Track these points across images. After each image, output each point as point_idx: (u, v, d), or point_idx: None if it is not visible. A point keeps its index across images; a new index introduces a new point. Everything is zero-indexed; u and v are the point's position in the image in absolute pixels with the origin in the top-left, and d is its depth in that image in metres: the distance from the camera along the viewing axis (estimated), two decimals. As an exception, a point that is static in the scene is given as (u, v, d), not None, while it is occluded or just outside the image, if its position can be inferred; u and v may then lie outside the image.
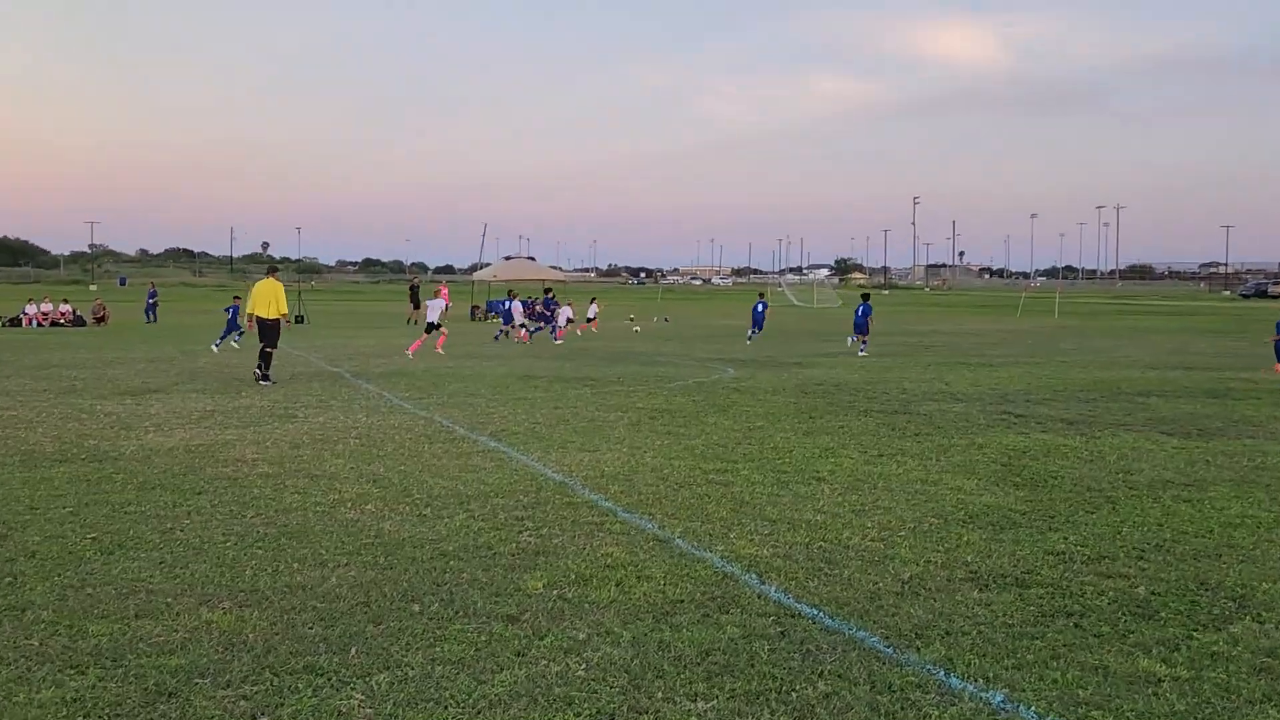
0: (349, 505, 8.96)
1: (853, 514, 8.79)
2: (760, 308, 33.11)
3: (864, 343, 27.75)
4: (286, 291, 19.35)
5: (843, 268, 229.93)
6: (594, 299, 42.09)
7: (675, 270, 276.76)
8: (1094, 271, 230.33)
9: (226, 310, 28.11)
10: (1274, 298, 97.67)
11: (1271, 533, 8.24)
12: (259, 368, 18.65)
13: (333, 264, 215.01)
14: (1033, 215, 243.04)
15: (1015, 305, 56.55)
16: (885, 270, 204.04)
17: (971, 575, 7.09)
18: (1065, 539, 8.01)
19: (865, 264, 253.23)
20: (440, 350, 25.87)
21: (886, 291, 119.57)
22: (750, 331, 32.64)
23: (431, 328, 25.67)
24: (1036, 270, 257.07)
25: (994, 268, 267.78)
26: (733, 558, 7.44)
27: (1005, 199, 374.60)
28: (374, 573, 7.04)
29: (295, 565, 7.19)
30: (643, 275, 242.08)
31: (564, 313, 33.39)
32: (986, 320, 51.22)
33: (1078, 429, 13.52)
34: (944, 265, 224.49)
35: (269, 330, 18.82)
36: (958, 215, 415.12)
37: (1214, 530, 8.30)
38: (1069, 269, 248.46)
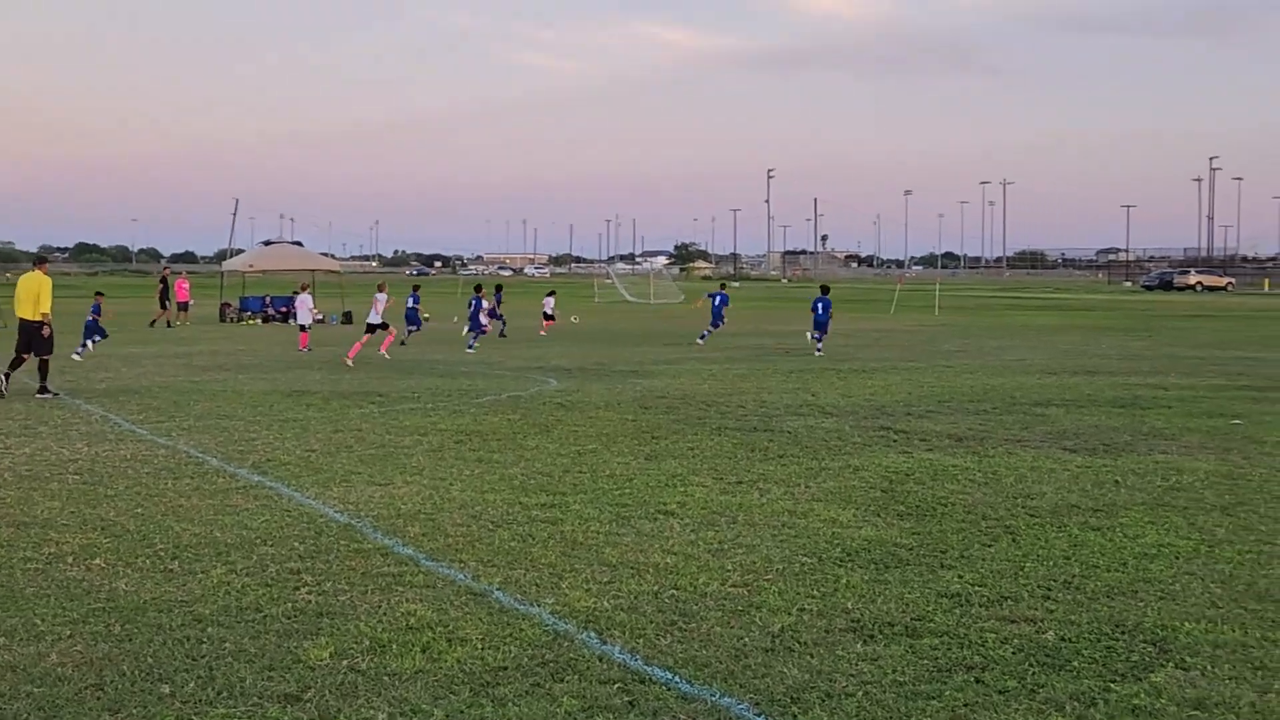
0: (70, 560, 8.59)
1: (709, 554, 8.92)
2: (718, 301, 33.82)
3: (820, 339, 30.20)
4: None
5: (684, 255, 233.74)
6: (551, 293, 42.43)
7: (479, 258, 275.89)
8: (978, 259, 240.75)
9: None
10: (1181, 290, 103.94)
11: (1191, 563, 8.75)
12: (5, 375, 18.89)
13: (33, 250, 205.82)
14: (907, 192, 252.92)
15: (889, 300, 58.49)
16: (735, 258, 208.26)
17: (853, 625, 7.28)
18: (960, 578, 8.33)
19: (711, 250, 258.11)
20: (385, 353, 27.85)
21: (737, 283, 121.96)
22: (704, 330, 33.33)
23: (373, 328, 27.45)
24: (912, 258, 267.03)
25: (863, 255, 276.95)
26: (566, 612, 7.45)
27: (875, 174, 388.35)
28: (107, 645, 6.77)
29: (1, 640, 6.84)
30: (437, 264, 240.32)
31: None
32: (856, 318, 52.86)
33: (968, 446, 14.08)
34: (804, 252, 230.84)
35: (32, 334, 18.82)
36: (820, 192, 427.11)
37: (1128, 563, 8.76)
38: (950, 256, 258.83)
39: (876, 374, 23.50)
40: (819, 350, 29.50)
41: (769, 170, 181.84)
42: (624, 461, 12.90)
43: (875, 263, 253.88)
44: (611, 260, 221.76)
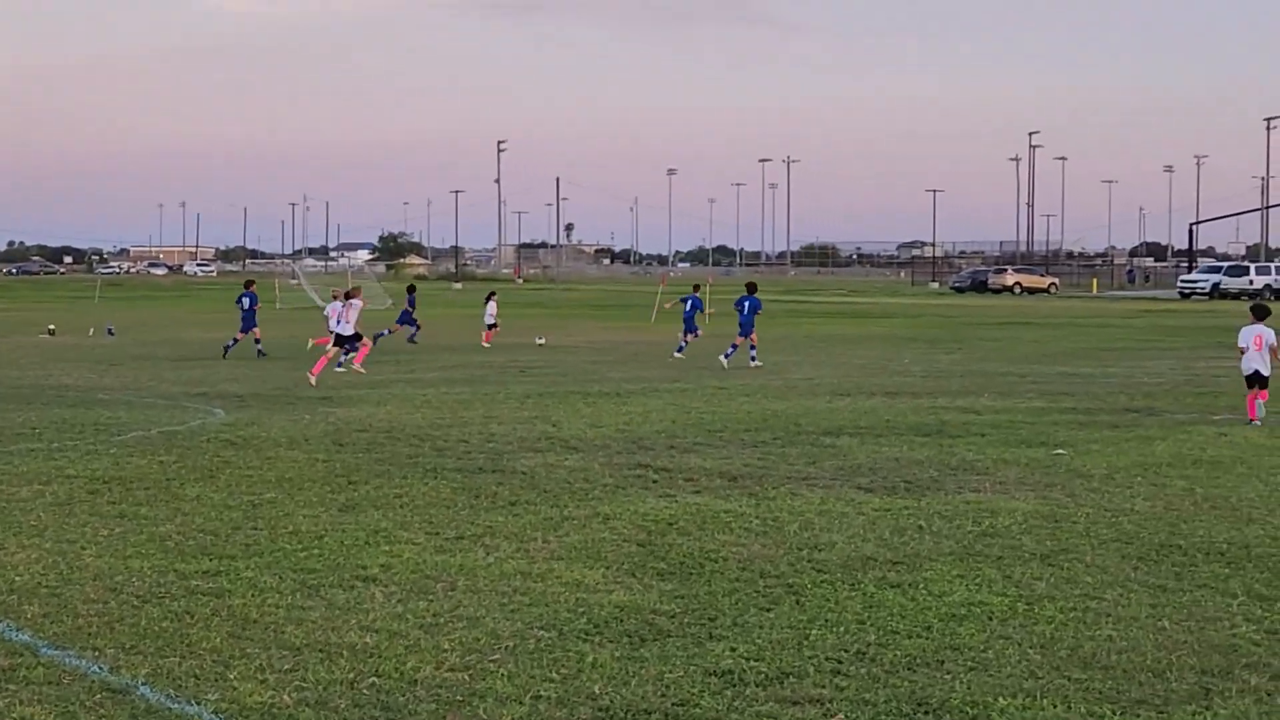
0: None
1: (421, 630, 8.88)
2: (690, 305, 35.90)
3: (752, 347, 32.39)
4: None
5: (391, 248, 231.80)
6: (491, 295, 43.42)
7: (123, 251, 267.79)
8: (758, 255, 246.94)
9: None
10: (997, 291, 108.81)
11: (1006, 625, 9.16)
12: None
13: None
14: (670, 172, 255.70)
15: (649, 304, 59.11)
16: (457, 252, 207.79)
17: (601, 713, 7.34)
18: (733, 650, 8.49)
19: (427, 242, 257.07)
20: (360, 368, 29.42)
21: (459, 285, 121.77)
22: (750, 339, 33.20)
23: (342, 340, 29.36)
24: (678, 253, 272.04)
25: (617, 249, 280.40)
26: (235, 710, 7.31)
27: (633, 150, 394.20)
28: None
29: None
30: (68, 260, 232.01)
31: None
32: (608, 327, 53.41)
33: (744, 487, 14.40)
34: (544, 244, 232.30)
35: None
36: (565, 172, 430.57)
37: (933, 626, 9.10)
38: (723, 251, 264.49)
39: (633, 398, 23.81)
40: (755, 361, 31.99)
41: (499, 143, 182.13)
42: (312, 514, 12.72)
43: (632, 259, 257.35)
44: (298, 255, 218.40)
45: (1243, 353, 21.50)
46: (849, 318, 64.24)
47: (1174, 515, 12.99)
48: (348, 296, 30.26)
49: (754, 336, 32.76)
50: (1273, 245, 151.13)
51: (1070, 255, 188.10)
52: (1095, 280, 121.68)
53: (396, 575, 10.36)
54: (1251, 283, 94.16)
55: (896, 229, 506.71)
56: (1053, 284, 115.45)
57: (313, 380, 26.69)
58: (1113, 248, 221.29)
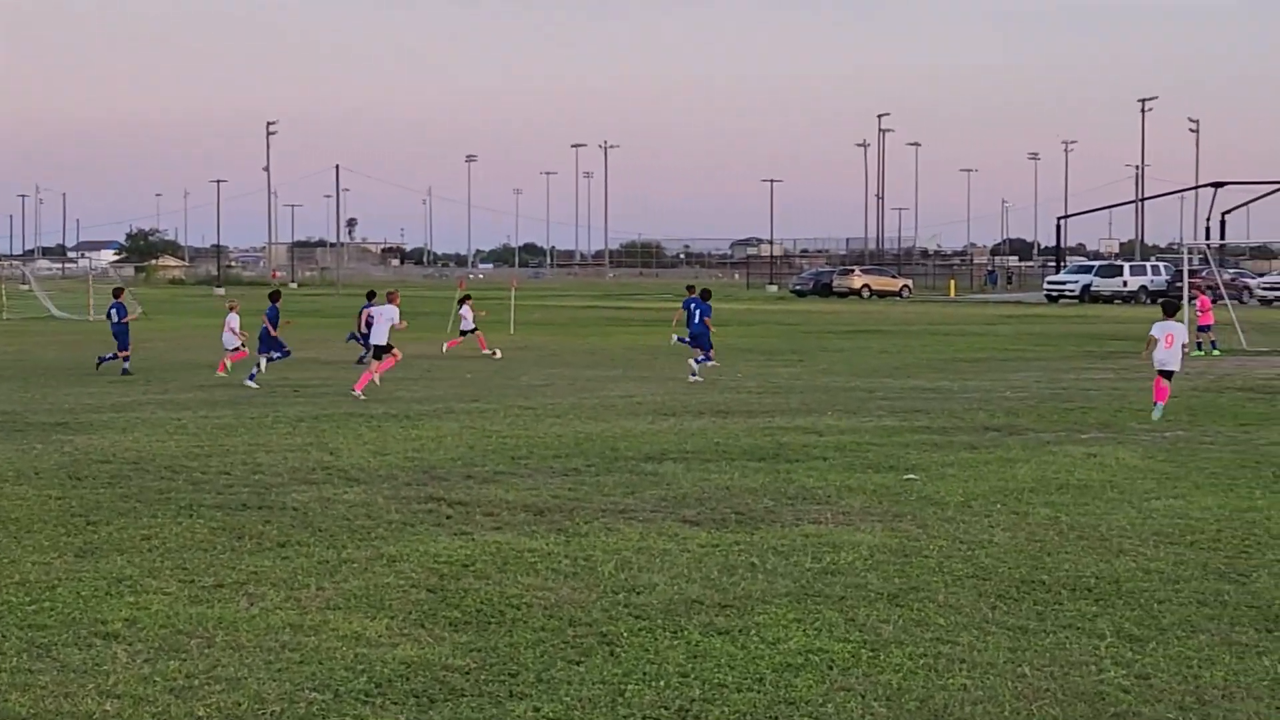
0: None
1: (171, 695, 8.77)
2: (698, 313, 35.16)
3: (708, 358, 34.06)
4: None
5: (141, 247, 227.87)
6: (466, 298, 44.19)
7: None
8: (572, 254, 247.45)
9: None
10: (843, 295, 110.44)
11: (848, 675, 9.31)
12: None
13: None
14: (469, 158, 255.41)
15: (446, 313, 58.75)
16: (219, 251, 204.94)
17: (384, 787, 7.31)
18: (536, 710, 8.52)
19: (184, 240, 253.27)
20: (377, 380, 29.73)
21: (221, 290, 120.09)
22: (701, 356, 34.28)
23: (380, 351, 30.27)
24: (479, 251, 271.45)
25: (408, 247, 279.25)
26: (-54, 796, 7.14)
27: (425, 131, 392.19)
28: None
29: None
30: None
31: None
32: (396, 339, 52.90)
33: (552, 522, 14.46)
34: (322, 243, 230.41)
35: None
36: (344, 158, 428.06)
37: (765, 678, 9.22)
38: (531, 250, 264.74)
39: (424, 421, 23.73)
40: (710, 363, 33.99)
41: (269, 124, 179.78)
42: (43, 561, 12.50)
43: (426, 259, 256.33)
44: (29, 256, 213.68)
45: (1152, 342, 24.88)
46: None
47: (1037, 547, 13.31)
48: (389, 299, 31.21)
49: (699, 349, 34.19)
50: (1150, 241, 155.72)
51: (925, 254, 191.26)
52: (953, 282, 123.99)
53: (143, 631, 10.21)
54: (1125, 284, 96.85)
55: (730, 225, 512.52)
56: (905, 286, 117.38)
57: (360, 394, 28.20)
58: (973, 245, 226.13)
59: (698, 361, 33.58)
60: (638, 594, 11.40)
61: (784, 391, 29.91)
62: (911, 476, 17.45)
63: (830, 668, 9.46)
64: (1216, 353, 42.76)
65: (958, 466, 18.38)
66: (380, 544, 13.31)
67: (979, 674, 9.33)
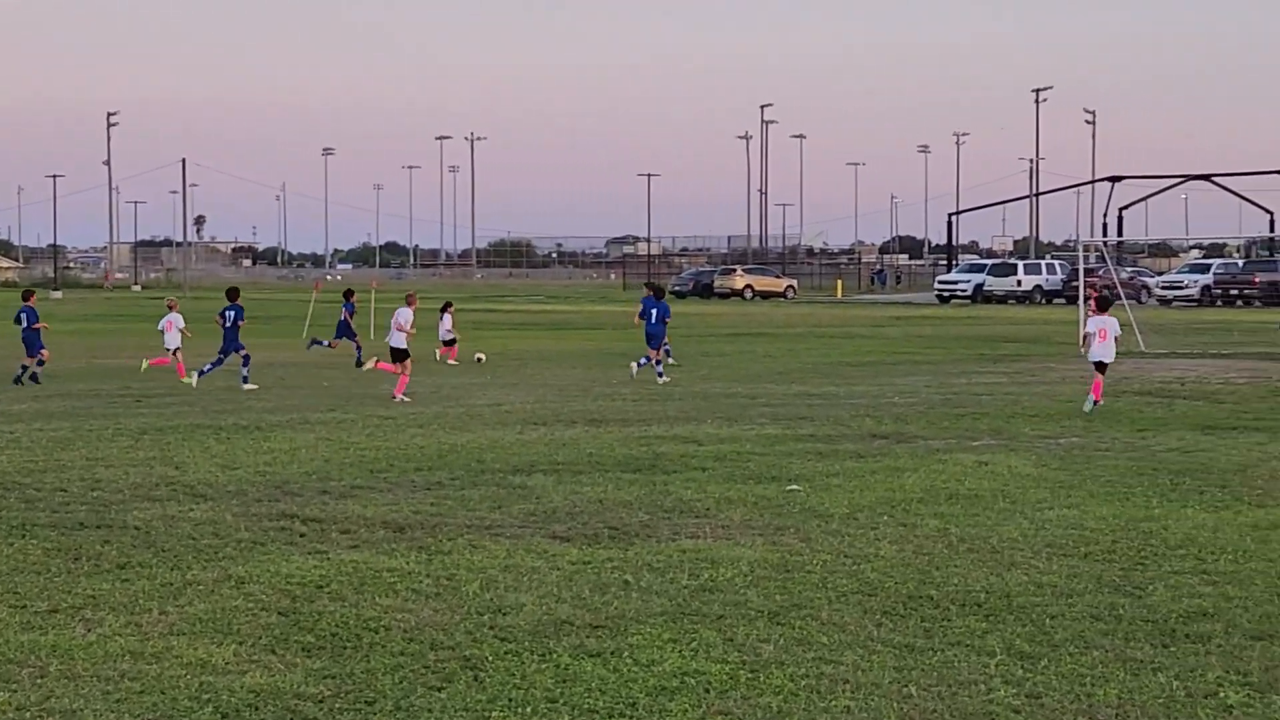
0: None
1: (1, 730, 8.65)
2: (655, 313, 36.36)
3: (665, 355, 36.08)
4: None
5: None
6: (447, 306, 44.90)
7: None
8: (437, 253, 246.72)
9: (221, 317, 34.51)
10: (725, 296, 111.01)
11: (726, 698, 9.34)
12: None
13: None
14: (326, 150, 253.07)
15: (301, 315, 58.39)
16: (55, 251, 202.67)
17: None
18: (395, 741, 8.48)
19: (17, 241, 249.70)
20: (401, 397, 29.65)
21: (58, 293, 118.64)
22: (656, 354, 35.53)
23: (398, 355, 30.79)
24: (338, 251, 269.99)
25: (261, 247, 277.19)
26: None
27: (277, 123, 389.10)
28: None
29: None
30: None
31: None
32: (247, 344, 52.47)
33: (413, 539, 14.41)
34: (168, 242, 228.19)
35: None
36: (191, 152, 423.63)
37: (638, 703, 9.25)
38: (393, 249, 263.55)
39: (277, 432, 23.57)
40: (669, 357, 35.85)
41: (109, 114, 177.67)
42: None
43: (281, 259, 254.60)
44: None
45: (1089, 338, 28.03)
46: (547, 330, 64.72)
47: (925, 560, 13.44)
48: (407, 302, 32.20)
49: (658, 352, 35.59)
50: (1045, 238, 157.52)
51: (811, 253, 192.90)
52: (840, 282, 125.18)
53: (-31, 661, 10.07)
54: (1020, 283, 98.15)
55: (605, 222, 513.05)
56: (790, 287, 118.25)
57: (403, 398, 29.31)
58: (860, 243, 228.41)
59: (639, 364, 34.92)
60: (504, 615, 11.39)
61: (661, 398, 29.97)
62: (795, 487, 17.55)
63: (707, 690, 9.49)
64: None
65: (843, 476, 18.51)
66: (228, 564, 13.20)
67: (863, 695, 9.40)
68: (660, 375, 34.24)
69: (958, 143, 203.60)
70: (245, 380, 33.20)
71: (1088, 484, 17.94)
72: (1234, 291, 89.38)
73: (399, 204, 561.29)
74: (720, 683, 9.66)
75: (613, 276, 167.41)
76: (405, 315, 31.34)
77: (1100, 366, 27.31)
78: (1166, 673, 9.92)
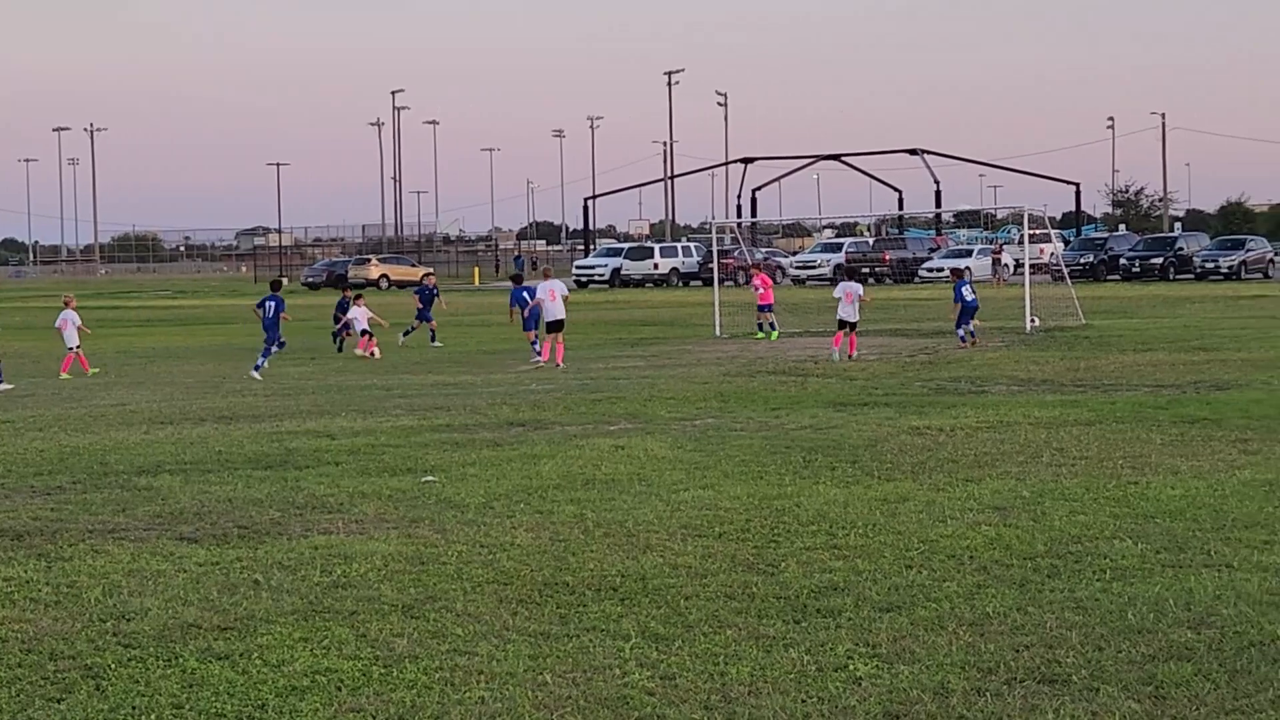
0: None
1: None
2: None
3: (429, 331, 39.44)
4: None
5: None
6: (358, 297, 44.30)
7: None
8: (57, 249, 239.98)
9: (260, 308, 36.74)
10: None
11: (359, 695, 9.32)
12: None
13: None
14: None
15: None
16: None
17: None
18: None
19: None
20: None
21: None
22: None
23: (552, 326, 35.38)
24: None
25: None
26: None
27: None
28: None
29: None
30: None
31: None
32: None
33: (32, 546, 14.08)
34: None
35: None
36: None
37: (268, 704, 9.18)
38: (11, 245, 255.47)
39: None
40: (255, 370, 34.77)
41: None
42: None
43: None
44: None
45: (839, 302, 35.08)
46: (176, 326, 63.56)
47: (561, 547, 13.57)
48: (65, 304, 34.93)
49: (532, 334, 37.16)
50: (682, 221, 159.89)
51: (448, 240, 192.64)
52: (477, 269, 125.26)
53: None
54: (657, 266, 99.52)
55: (235, 213, 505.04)
56: (427, 275, 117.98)
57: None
58: (498, 230, 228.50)
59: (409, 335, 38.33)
60: (128, 621, 11.19)
61: (295, 393, 29.70)
62: (430, 479, 17.56)
63: (339, 688, 9.46)
64: (775, 334, 43.91)
65: (479, 466, 18.57)
66: None
67: (498, 685, 9.45)
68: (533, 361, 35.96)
69: (592, 127, 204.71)
70: (257, 368, 34.34)
71: (723, 464, 18.31)
72: (865, 269, 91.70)
73: (15, 199, 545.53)
74: (352, 680, 9.63)
75: (243, 269, 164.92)
76: (555, 286, 35.66)
77: (842, 324, 34.52)
78: (798, 648, 10.18)
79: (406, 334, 45.44)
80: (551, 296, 35.19)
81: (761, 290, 44.25)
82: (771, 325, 44.37)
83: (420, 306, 46.08)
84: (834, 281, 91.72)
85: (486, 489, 16.77)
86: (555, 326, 35.18)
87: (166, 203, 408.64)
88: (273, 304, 36.07)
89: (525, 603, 11.56)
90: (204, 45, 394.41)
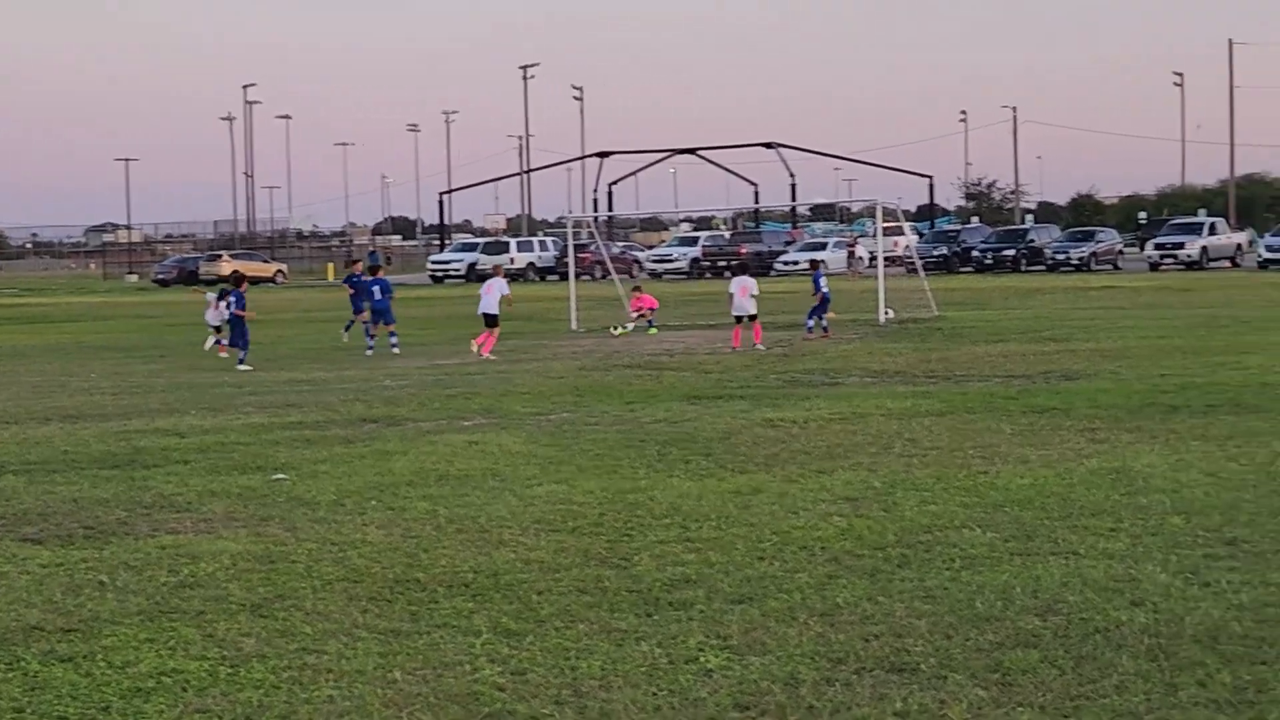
0: None
1: None
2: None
3: (393, 334, 38.53)
4: None
5: None
6: (223, 293, 41.77)
7: None
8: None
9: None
10: (209, 282, 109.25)
11: (205, 696, 9.25)
12: None
13: None
14: None
15: None
16: None
17: None
18: None
19: None
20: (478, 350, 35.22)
21: None
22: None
23: (490, 320, 36.45)
24: None
25: None
26: None
27: None
28: None
29: None
30: None
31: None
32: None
33: None
34: None
35: None
36: None
37: (112, 706, 9.09)
38: None
39: None
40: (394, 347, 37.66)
41: None
42: None
43: None
44: None
45: (731, 298, 36.33)
46: (22, 324, 62.58)
47: (413, 544, 13.53)
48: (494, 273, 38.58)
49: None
50: (539, 215, 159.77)
51: (301, 236, 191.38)
52: (331, 266, 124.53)
53: None
54: (512, 260, 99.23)
55: (83, 210, 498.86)
56: (280, 272, 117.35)
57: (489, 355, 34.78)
58: (352, 225, 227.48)
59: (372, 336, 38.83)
60: (-44, 627, 11.06)
61: (143, 391, 29.36)
62: (280, 476, 17.44)
63: (185, 689, 9.38)
64: (653, 330, 43.70)
65: (331, 463, 18.47)
66: None
67: (346, 683, 9.41)
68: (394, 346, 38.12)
69: (448, 121, 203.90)
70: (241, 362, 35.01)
71: (577, 458, 18.33)
72: (722, 263, 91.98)
73: None
74: (199, 680, 9.56)
75: (92, 266, 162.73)
76: (502, 284, 36.90)
77: (742, 319, 35.74)
78: (649, 641, 10.22)
79: (347, 328, 44.20)
80: (488, 290, 36.90)
81: (642, 309, 44.47)
82: (649, 322, 44.20)
83: (353, 293, 44.48)
84: (691, 275, 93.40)
85: (338, 486, 16.68)
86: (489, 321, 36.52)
87: (13, 200, 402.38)
88: (234, 298, 36.24)
89: (376, 600, 11.51)
90: (48, 39, 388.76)
